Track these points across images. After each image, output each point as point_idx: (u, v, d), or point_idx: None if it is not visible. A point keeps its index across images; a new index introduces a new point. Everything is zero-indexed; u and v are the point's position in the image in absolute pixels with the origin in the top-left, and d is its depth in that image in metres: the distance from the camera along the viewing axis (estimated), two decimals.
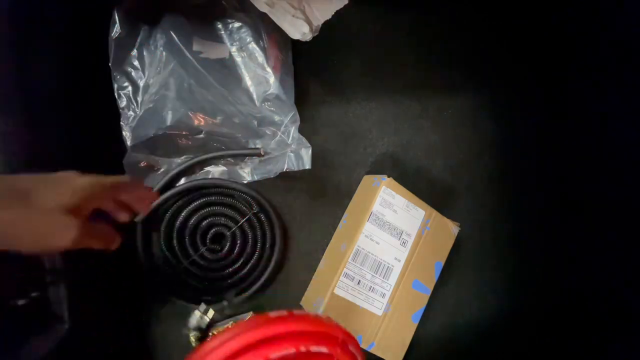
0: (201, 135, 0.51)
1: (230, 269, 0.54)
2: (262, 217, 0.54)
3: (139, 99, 0.49)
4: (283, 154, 0.52)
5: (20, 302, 0.37)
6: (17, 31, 0.38)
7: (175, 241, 0.53)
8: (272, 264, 0.54)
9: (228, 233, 0.53)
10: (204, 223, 0.53)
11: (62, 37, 0.45)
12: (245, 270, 0.54)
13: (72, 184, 0.31)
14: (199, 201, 0.53)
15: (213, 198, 0.53)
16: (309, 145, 0.52)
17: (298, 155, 0.52)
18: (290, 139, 0.52)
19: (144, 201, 0.40)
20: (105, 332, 0.49)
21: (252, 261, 0.54)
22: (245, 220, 0.53)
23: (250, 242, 0.54)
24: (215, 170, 0.55)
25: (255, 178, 0.54)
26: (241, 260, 0.54)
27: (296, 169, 0.52)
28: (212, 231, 0.53)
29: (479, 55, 0.64)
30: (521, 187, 0.64)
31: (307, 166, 0.52)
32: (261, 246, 0.54)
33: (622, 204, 0.58)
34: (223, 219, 0.53)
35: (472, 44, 0.63)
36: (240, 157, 0.54)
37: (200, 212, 0.53)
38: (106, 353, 0.49)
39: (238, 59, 0.51)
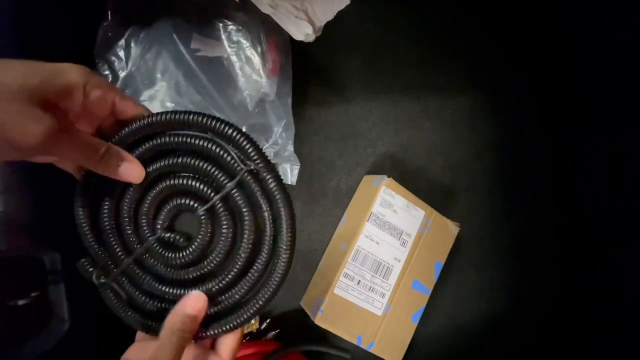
0: None
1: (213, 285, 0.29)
2: (266, 183, 0.28)
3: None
4: None
5: (21, 302, 0.37)
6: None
7: (106, 224, 0.29)
8: (280, 275, 0.28)
9: (202, 211, 0.29)
10: (157, 189, 0.29)
11: (59, 22, 0.45)
12: (227, 285, 0.29)
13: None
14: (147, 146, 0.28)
15: (173, 139, 0.28)
16: (299, 162, 0.52)
17: (285, 170, 0.52)
18: (282, 149, 0.51)
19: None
20: (106, 332, 0.49)
21: (239, 264, 0.29)
22: (235, 187, 0.28)
23: (244, 229, 0.29)
24: None
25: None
26: (218, 263, 0.29)
27: None
28: (168, 207, 0.30)
29: (479, 56, 0.64)
30: (521, 187, 0.64)
31: (291, 182, 0.52)
32: (269, 239, 0.28)
33: (621, 203, 0.58)
34: (194, 182, 0.29)
35: (472, 44, 0.63)
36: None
37: (151, 168, 0.28)
38: (106, 352, 0.49)
39: (235, 61, 0.50)
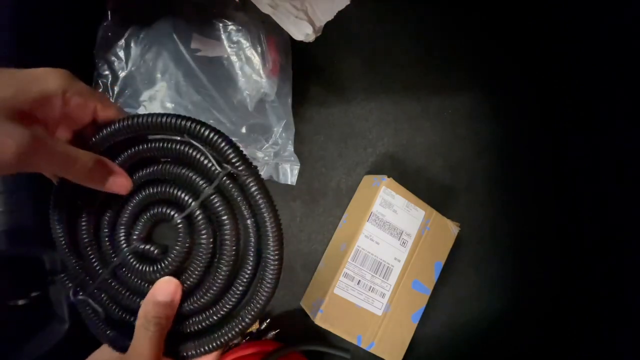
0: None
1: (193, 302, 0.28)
2: (248, 186, 0.26)
3: (116, 89, 0.48)
4: (270, 163, 0.51)
5: (20, 302, 0.37)
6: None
7: (85, 236, 0.28)
8: (267, 290, 0.26)
9: (178, 219, 0.27)
10: (136, 199, 0.28)
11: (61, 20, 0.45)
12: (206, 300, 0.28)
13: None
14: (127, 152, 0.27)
15: (150, 145, 0.27)
16: (299, 163, 0.52)
17: (285, 170, 0.52)
18: (282, 149, 0.51)
19: None
20: None
21: (221, 276, 0.27)
22: (214, 193, 0.26)
23: (224, 239, 0.27)
24: None
25: None
26: (198, 276, 0.28)
27: (280, 182, 0.52)
28: (144, 217, 0.28)
29: (478, 56, 0.64)
30: (521, 187, 0.64)
31: (291, 183, 0.52)
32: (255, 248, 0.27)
33: (621, 204, 0.58)
34: (171, 189, 0.27)
35: (472, 44, 0.63)
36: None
37: (133, 177, 0.27)
38: None
39: (235, 61, 0.50)
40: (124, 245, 0.28)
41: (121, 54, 0.48)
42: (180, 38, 0.48)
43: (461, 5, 0.63)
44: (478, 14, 0.64)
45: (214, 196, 0.26)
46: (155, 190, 0.27)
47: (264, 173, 0.51)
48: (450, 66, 0.62)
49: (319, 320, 0.48)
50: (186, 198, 0.27)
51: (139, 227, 0.28)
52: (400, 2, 0.61)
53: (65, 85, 0.23)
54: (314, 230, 0.57)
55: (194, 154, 0.25)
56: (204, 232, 0.27)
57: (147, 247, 0.27)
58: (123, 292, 0.28)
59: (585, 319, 0.61)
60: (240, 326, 0.27)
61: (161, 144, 0.26)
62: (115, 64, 0.48)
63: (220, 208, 0.26)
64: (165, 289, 0.26)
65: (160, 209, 0.27)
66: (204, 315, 0.28)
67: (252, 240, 0.27)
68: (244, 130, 0.50)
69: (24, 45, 0.38)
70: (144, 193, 0.27)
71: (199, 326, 0.28)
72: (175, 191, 0.27)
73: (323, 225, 0.57)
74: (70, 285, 0.28)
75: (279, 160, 0.52)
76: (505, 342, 0.62)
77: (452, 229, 0.55)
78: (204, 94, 0.48)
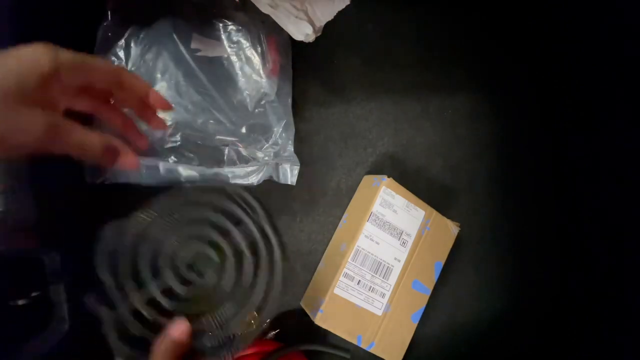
0: (176, 138, 0.48)
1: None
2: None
3: None
4: (270, 163, 0.51)
5: (20, 302, 0.37)
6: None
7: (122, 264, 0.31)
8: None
9: (216, 258, 0.33)
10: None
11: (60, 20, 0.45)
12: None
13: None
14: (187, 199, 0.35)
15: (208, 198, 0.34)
16: (298, 163, 0.52)
17: (285, 170, 0.52)
18: (282, 149, 0.51)
19: (147, 107, 0.32)
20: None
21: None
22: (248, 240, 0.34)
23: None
24: (185, 173, 0.48)
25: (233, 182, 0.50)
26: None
27: (280, 182, 0.52)
28: (187, 250, 0.34)
29: (479, 56, 0.64)
30: (521, 187, 0.64)
31: (291, 183, 0.52)
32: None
33: (621, 203, 0.58)
34: (215, 233, 0.34)
35: (472, 44, 0.63)
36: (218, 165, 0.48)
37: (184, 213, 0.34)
38: (106, 353, 0.49)
39: (235, 61, 0.50)
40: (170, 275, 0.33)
41: (121, 54, 0.48)
42: (180, 38, 0.48)
43: (461, 5, 0.63)
44: (478, 14, 0.64)
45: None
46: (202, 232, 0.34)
47: (264, 173, 0.51)
48: (450, 66, 0.62)
49: (319, 320, 0.48)
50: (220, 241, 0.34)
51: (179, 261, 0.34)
52: (400, 2, 0.61)
53: (55, 60, 0.24)
54: (314, 230, 0.57)
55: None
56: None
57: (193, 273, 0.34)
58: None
59: (585, 319, 0.61)
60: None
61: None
62: (115, 64, 0.48)
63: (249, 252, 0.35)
64: (176, 328, 0.30)
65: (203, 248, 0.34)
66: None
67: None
68: (244, 130, 0.50)
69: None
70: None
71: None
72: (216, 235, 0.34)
73: (323, 225, 0.57)
74: (100, 305, 0.31)
75: (279, 160, 0.52)
76: (505, 342, 0.62)
77: (452, 229, 0.55)
78: (204, 93, 0.48)
